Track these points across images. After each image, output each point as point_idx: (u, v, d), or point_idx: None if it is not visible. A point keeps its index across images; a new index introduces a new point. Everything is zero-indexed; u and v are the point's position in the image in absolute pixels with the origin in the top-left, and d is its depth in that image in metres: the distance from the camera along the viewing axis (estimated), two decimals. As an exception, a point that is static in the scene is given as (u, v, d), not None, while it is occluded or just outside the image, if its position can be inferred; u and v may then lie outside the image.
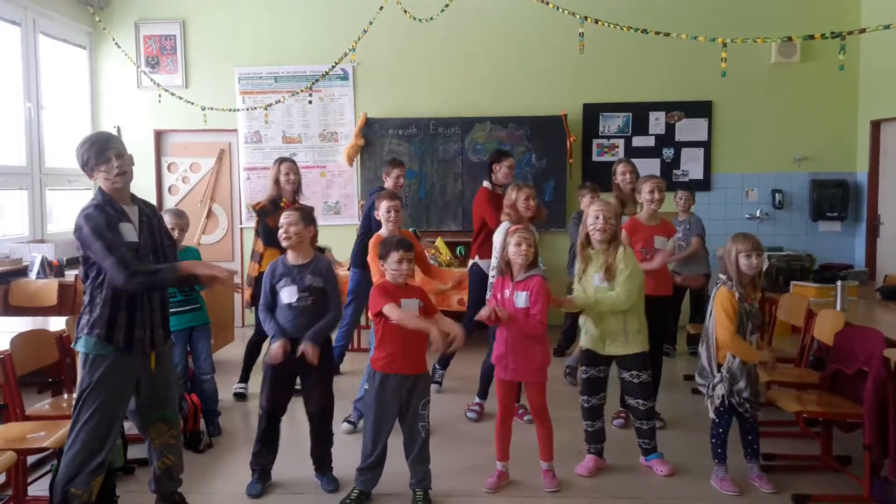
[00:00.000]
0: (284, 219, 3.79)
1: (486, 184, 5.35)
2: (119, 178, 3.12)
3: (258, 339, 5.50)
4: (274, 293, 3.82)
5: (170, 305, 3.46)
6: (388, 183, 5.59)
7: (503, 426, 3.91)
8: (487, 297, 4.76)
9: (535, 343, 3.81)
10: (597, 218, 3.93)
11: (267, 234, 5.40)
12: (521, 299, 3.76)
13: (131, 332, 3.13)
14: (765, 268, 5.99)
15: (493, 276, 4.70)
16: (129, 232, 3.12)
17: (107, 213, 3.09)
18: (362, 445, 3.73)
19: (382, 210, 4.59)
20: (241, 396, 5.47)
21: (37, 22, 7.04)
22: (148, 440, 3.39)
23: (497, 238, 4.77)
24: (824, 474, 4.00)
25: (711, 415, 3.85)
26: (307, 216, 3.86)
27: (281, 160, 5.58)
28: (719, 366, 3.78)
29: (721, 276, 3.86)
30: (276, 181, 5.49)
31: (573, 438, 4.28)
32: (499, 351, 3.86)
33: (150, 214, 3.29)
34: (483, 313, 3.75)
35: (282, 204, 5.39)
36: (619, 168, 5.25)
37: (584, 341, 4.10)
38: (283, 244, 3.83)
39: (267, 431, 3.86)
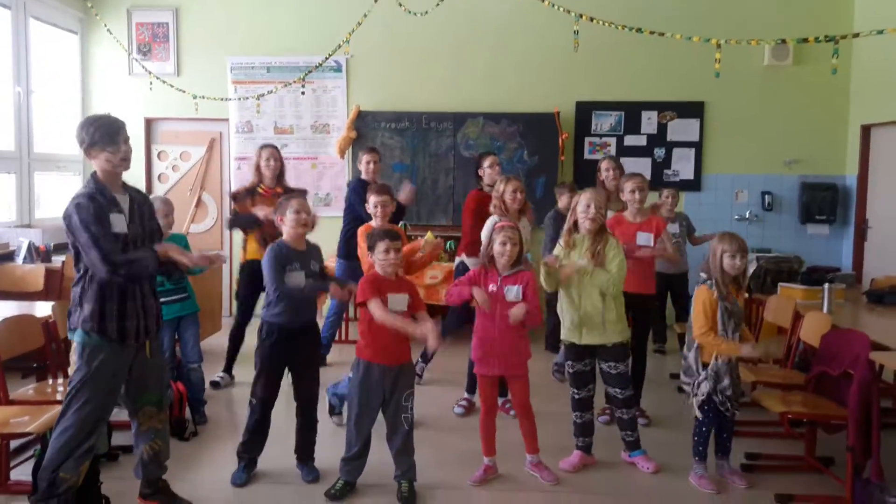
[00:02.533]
0: (299, 205, 3.77)
1: (479, 186, 5.42)
2: (122, 163, 3.16)
3: (240, 327, 5.51)
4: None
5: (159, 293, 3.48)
6: (361, 169, 5.79)
7: (488, 420, 3.92)
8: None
9: (520, 338, 3.83)
10: (588, 206, 3.95)
11: (234, 219, 5.43)
12: (511, 293, 3.77)
13: (123, 323, 3.14)
14: (752, 269, 6.05)
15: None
16: (119, 222, 3.12)
17: (97, 203, 3.07)
18: (346, 435, 3.73)
19: (370, 204, 4.68)
20: (215, 385, 5.42)
21: (28, 6, 6.97)
22: (136, 424, 3.39)
23: (484, 232, 4.78)
24: (807, 475, 4.03)
25: (696, 412, 3.87)
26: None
27: (263, 146, 5.55)
28: (705, 365, 3.81)
29: (702, 274, 3.88)
30: (257, 167, 5.46)
31: (559, 434, 4.29)
32: (483, 347, 3.85)
33: (140, 202, 3.31)
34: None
35: (259, 190, 5.39)
36: (604, 165, 5.41)
37: (563, 334, 4.10)
38: (298, 230, 3.77)
39: (260, 421, 3.85)
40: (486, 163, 5.35)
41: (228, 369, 5.59)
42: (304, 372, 3.88)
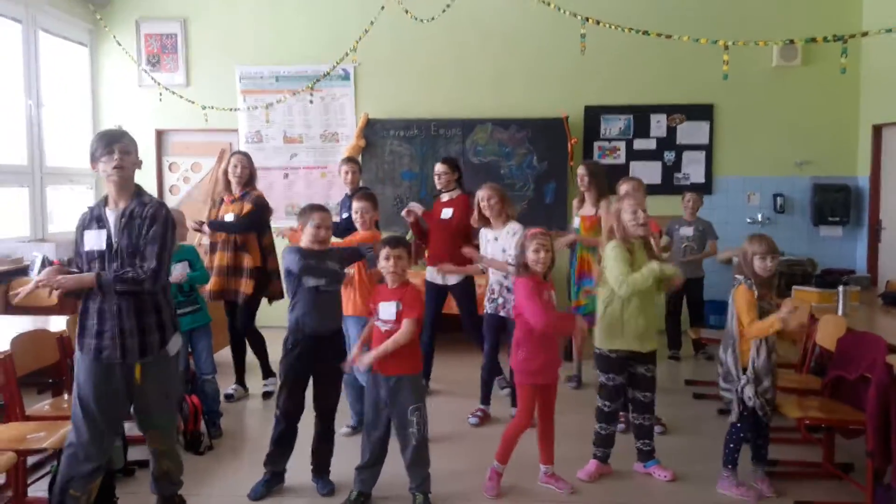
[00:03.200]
0: (321, 220, 3.77)
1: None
2: (115, 171, 3.06)
3: (236, 336, 5.50)
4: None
5: (164, 311, 3.20)
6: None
7: (522, 431, 3.86)
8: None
9: (557, 346, 3.90)
10: (635, 213, 3.91)
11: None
12: (554, 299, 3.85)
13: (100, 342, 3.08)
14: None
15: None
16: (94, 239, 3.08)
17: (84, 218, 3.15)
18: (361, 443, 3.75)
19: (353, 212, 4.73)
20: (229, 397, 5.38)
21: (37, 19, 7.01)
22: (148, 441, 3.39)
23: (480, 240, 4.85)
24: (826, 481, 3.99)
25: (733, 418, 3.79)
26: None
27: (232, 153, 5.53)
28: (745, 369, 3.73)
29: (738, 276, 3.82)
30: (225, 174, 5.44)
31: (574, 443, 4.26)
32: (539, 358, 3.79)
33: (136, 213, 3.09)
34: None
35: (224, 198, 5.42)
36: (578, 171, 5.36)
37: (620, 345, 3.95)
38: (314, 245, 3.78)
39: (285, 433, 3.84)
40: (435, 171, 5.46)
41: (240, 381, 5.58)
42: (325, 381, 3.88)
